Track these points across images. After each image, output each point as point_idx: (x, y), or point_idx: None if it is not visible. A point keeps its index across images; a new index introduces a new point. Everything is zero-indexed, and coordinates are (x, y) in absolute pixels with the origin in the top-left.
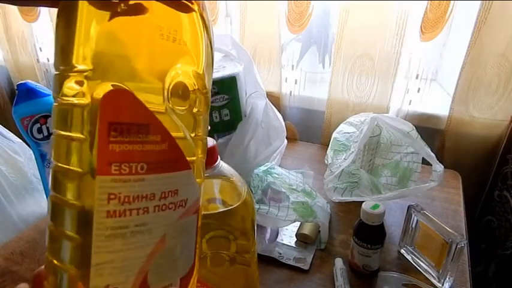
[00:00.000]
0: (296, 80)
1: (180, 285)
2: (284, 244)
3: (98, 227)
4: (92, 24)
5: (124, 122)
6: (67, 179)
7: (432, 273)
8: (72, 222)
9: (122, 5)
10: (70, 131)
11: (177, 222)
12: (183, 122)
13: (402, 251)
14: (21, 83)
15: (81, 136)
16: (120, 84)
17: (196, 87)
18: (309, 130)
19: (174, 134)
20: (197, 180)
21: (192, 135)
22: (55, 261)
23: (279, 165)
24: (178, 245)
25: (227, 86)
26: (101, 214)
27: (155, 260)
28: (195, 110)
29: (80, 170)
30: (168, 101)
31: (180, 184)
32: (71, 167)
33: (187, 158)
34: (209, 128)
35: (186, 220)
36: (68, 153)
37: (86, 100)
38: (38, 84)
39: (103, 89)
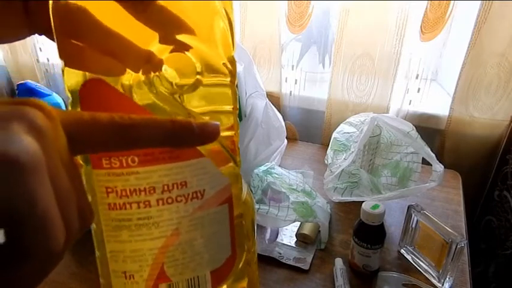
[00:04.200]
0: (296, 80)
1: (213, 278)
2: (284, 244)
3: (104, 218)
4: None
5: None
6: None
7: (432, 273)
8: None
9: None
10: None
11: (192, 215)
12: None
13: (402, 251)
14: (21, 83)
15: None
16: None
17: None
18: (309, 130)
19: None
20: (228, 166)
21: (203, 109)
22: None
23: (279, 165)
24: (201, 238)
25: None
26: (103, 206)
27: (170, 252)
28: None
29: (81, 162)
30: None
31: (190, 175)
32: (79, 160)
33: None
34: None
35: (207, 212)
36: None
37: (68, 95)
38: (38, 84)
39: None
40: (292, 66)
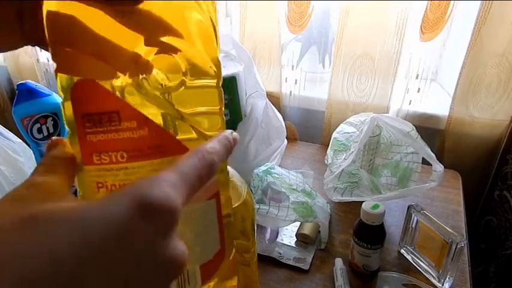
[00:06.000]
0: (296, 80)
1: (203, 271)
2: (284, 244)
3: None
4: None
5: (94, 113)
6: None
7: (432, 273)
8: None
9: None
10: (66, 125)
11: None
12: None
13: (402, 251)
14: (21, 83)
15: (68, 130)
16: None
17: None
18: (309, 130)
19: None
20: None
21: (190, 110)
22: None
23: (279, 165)
24: (190, 232)
25: (227, 86)
26: None
27: None
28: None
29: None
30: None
31: None
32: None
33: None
34: None
35: (195, 207)
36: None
37: (60, 94)
38: (38, 84)
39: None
40: (292, 66)
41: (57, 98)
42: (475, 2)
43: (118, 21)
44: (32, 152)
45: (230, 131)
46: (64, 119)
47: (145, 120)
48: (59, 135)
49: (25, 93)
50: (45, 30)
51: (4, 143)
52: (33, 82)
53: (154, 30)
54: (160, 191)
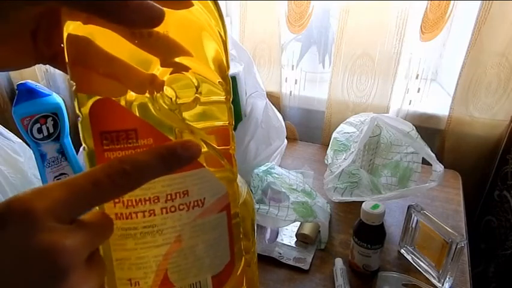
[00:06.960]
0: (296, 80)
1: (214, 283)
2: (284, 244)
3: None
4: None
5: (112, 130)
6: None
7: (432, 273)
8: None
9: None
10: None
11: (194, 222)
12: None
13: (402, 251)
14: (21, 83)
15: (84, 145)
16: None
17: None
18: (309, 130)
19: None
20: (224, 174)
21: (201, 125)
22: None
23: (279, 165)
24: (201, 244)
25: None
26: (111, 216)
27: (173, 259)
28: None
29: None
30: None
31: (191, 184)
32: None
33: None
34: None
35: (208, 219)
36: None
37: (79, 114)
38: (38, 84)
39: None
40: (292, 66)
41: (57, 98)
42: (475, 2)
43: (135, 44)
44: (32, 152)
45: (184, 141)
46: (82, 137)
47: (161, 137)
48: (59, 135)
49: (25, 93)
50: (65, 52)
51: (4, 143)
52: (33, 82)
53: (169, 52)
54: (20, 197)
